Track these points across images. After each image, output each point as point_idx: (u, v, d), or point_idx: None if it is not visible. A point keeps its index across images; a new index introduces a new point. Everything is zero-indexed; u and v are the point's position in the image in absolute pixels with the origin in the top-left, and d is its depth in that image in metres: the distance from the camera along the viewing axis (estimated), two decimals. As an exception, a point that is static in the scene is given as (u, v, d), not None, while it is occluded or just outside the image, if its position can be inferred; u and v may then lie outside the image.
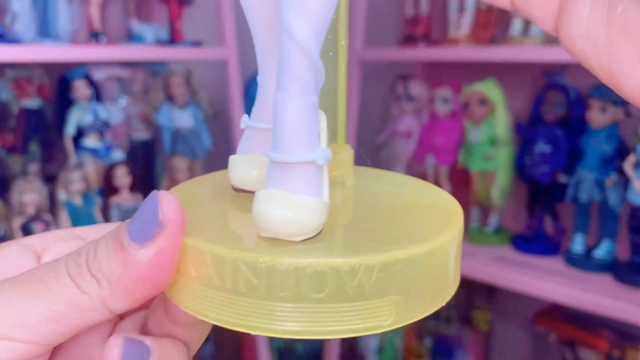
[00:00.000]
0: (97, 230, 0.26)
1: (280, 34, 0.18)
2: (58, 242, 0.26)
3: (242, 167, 0.22)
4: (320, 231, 0.20)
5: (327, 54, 0.25)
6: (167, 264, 0.20)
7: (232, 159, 0.23)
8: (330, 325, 0.18)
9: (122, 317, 0.26)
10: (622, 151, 0.98)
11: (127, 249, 0.20)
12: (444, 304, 0.22)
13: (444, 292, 0.22)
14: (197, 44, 1.15)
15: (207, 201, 0.25)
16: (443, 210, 0.25)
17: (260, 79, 0.23)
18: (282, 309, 0.18)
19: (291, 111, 0.19)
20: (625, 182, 0.97)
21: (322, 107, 0.22)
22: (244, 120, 0.23)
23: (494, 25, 1.15)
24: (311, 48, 0.18)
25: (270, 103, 0.20)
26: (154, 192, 0.20)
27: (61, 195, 1.02)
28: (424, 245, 0.20)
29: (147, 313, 0.25)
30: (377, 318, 0.19)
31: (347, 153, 0.27)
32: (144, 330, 0.25)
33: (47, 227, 0.98)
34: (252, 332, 0.19)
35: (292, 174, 0.19)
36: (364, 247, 0.19)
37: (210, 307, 0.20)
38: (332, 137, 0.26)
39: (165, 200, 0.20)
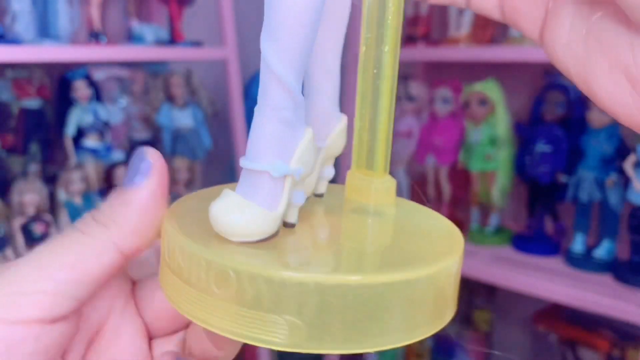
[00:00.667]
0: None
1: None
2: None
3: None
4: (267, 238, 0.21)
5: (372, 71, 0.24)
6: (163, 197, 0.23)
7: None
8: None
9: (161, 336, 0.27)
10: (622, 151, 0.98)
11: (127, 191, 0.23)
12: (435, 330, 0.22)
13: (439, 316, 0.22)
14: (197, 44, 1.15)
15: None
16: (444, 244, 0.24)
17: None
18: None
19: (259, 123, 0.20)
20: (625, 182, 0.97)
21: (357, 129, 0.24)
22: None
23: (493, 25, 1.15)
24: (279, 71, 0.19)
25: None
26: (139, 147, 0.24)
27: (61, 196, 1.02)
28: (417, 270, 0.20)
29: (185, 335, 0.26)
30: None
31: (385, 184, 0.25)
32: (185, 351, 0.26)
33: (47, 227, 0.98)
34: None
35: (251, 180, 0.21)
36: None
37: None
38: (369, 164, 0.25)
39: (149, 150, 0.23)
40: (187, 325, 0.26)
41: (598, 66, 0.19)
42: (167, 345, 0.26)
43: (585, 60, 0.20)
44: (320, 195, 0.27)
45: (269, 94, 0.20)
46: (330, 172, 0.27)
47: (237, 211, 0.20)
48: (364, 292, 0.18)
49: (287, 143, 0.21)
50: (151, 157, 0.23)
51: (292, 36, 0.19)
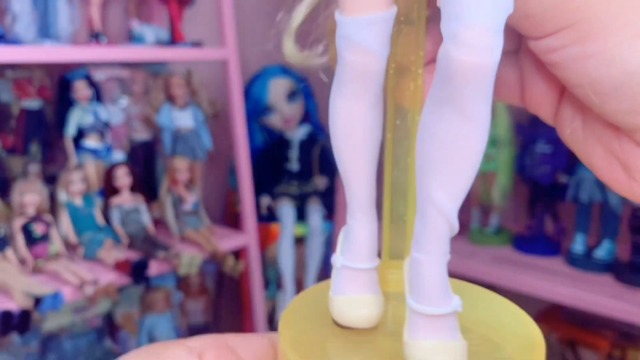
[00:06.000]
0: (248, 342, 0.26)
1: (419, 198, 0.20)
2: (210, 348, 0.26)
3: (351, 308, 0.23)
4: None
5: (394, 122, 0.24)
6: None
7: (338, 300, 0.23)
8: None
9: None
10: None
11: None
12: None
13: None
14: (197, 44, 1.15)
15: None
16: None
17: (350, 222, 0.23)
18: None
19: (434, 272, 0.20)
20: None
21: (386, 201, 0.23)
22: (339, 260, 0.24)
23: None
24: (453, 216, 0.19)
25: (365, 244, 0.22)
26: None
27: (62, 196, 1.02)
28: None
29: None
30: None
31: None
32: None
33: (48, 227, 0.98)
34: None
35: (438, 323, 0.20)
36: None
37: None
38: (399, 253, 0.25)
39: None
40: None
41: (595, 151, 0.23)
42: None
43: (585, 145, 0.23)
44: None
45: (442, 241, 0.20)
46: None
47: (448, 354, 0.20)
48: None
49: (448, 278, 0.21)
50: None
51: (468, 184, 0.19)
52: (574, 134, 0.23)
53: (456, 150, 0.18)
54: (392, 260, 0.25)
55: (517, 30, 0.21)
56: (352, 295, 0.23)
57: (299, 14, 0.23)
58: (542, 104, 0.24)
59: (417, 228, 0.20)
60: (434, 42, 0.23)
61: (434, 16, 0.23)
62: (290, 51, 0.24)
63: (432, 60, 0.23)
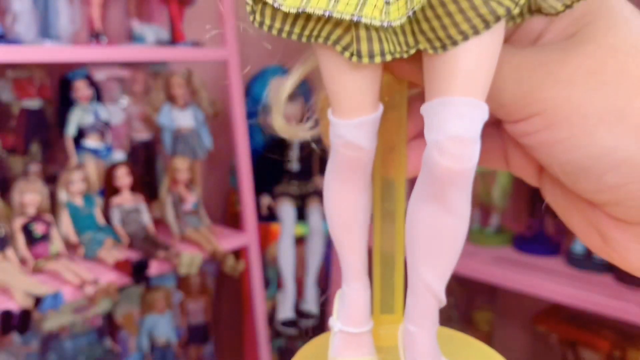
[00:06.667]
0: None
1: (411, 276, 0.22)
2: None
3: None
4: None
5: (382, 197, 0.26)
6: None
7: None
8: None
9: None
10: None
11: None
12: None
13: None
14: (197, 44, 1.15)
15: None
16: None
17: (345, 288, 0.25)
18: None
19: (425, 343, 0.22)
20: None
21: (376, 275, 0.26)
22: (336, 325, 0.25)
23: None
24: (441, 293, 0.22)
25: (360, 310, 0.24)
26: None
27: (62, 196, 1.02)
28: None
29: None
30: None
31: None
32: None
33: (48, 227, 0.98)
34: None
35: None
36: None
37: None
38: (389, 308, 0.27)
39: None
40: None
41: (574, 218, 0.25)
42: None
43: (564, 211, 0.25)
44: None
45: (432, 314, 0.22)
46: None
47: None
48: None
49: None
50: None
51: (453, 265, 0.21)
52: (554, 201, 0.26)
53: (441, 240, 0.21)
54: (383, 314, 0.28)
55: None
56: (349, 359, 0.25)
57: (285, 90, 0.26)
58: (524, 173, 0.27)
59: (409, 302, 0.22)
60: (415, 124, 0.25)
61: (414, 99, 0.25)
62: (280, 125, 0.27)
63: (414, 138, 0.26)
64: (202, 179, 1.23)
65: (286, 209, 1.30)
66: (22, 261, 0.95)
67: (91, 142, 1.09)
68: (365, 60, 0.19)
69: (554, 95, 0.21)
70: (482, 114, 0.19)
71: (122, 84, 1.16)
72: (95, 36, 1.06)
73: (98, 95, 1.10)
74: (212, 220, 1.21)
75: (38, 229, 0.96)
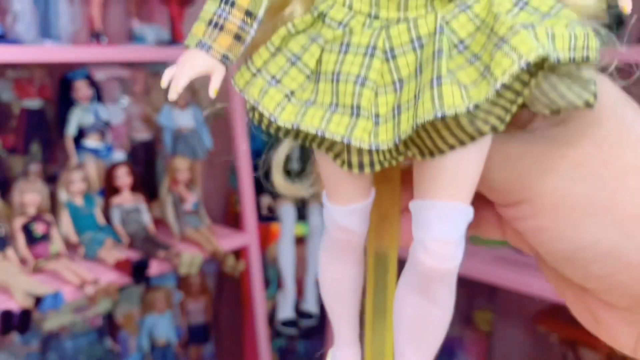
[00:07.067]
0: None
1: (398, 355, 0.23)
2: None
3: None
4: None
5: (375, 270, 0.27)
6: None
7: None
8: None
9: None
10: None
11: None
12: None
13: None
14: (198, 44, 1.15)
15: None
16: None
17: (337, 352, 0.26)
18: None
19: None
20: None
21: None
22: None
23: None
24: None
25: None
26: None
27: (62, 196, 1.02)
28: None
29: None
30: None
31: None
32: None
33: (48, 227, 0.98)
34: None
35: None
36: None
37: None
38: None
39: None
40: None
41: (567, 294, 0.26)
42: None
43: (558, 287, 0.26)
44: None
45: None
46: None
47: None
48: None
49: None
50: None
51: (436, 348, 0.22)
52: (550, 276, 0.26)
53: (425, 329, 0.22)
54: None
55: None
56: None
57: (283, 150, 0.27)
58: (521, 246, 0.27)
59: None
60: (408, 195, 0.26)
61: (407, 170, 0.26)
62: (280, 184, 0.28)
63: (407, 208, 0.27)
64: (202, 179, 1.23)
65: (286, 209, 1.30)
66: (23, 261, 0.95)
67: (91, 142, 1.09)
68: (356, 170, 0.21)
69: (540, 184, 0.21)
70: (466, 218, 0.20)
71: (122, 84, 1.16)
72: (95, 36, 1.06)
73: (98, 95, 1.10)
74: (212, 220, 1.21)
75: (38, 228, 0.96)
